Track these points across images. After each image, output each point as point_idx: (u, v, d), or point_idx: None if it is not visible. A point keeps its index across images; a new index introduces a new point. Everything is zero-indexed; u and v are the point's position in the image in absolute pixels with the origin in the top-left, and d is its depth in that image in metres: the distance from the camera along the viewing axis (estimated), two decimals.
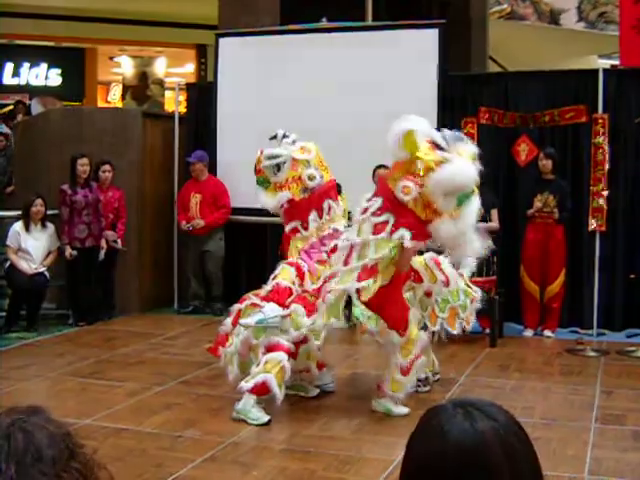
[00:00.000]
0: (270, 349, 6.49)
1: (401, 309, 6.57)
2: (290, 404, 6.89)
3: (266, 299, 6.66)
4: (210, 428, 6.32)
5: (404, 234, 6.24)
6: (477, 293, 7.55)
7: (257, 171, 7.39)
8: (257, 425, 6.38)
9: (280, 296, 6.63)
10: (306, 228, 7.21)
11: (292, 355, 6.59)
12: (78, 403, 6.98)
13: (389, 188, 6.31)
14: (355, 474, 5.45)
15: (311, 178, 7.19)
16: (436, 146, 6.25)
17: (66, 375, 7.92)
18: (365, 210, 6.44)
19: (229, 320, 6.87)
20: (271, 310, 6.52)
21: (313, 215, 7.22)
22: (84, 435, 1.80)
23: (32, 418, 1.80)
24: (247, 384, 6.44)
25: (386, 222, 6.29)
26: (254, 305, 6.72)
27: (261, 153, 7.33)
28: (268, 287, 6.78)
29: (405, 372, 6.60)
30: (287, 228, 7.32)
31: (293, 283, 6.78)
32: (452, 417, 1.56)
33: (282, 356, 6.44)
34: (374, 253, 6.28)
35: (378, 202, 6.36)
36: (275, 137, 7.39)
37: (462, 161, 6.19)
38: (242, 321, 6.55)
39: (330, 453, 5.78)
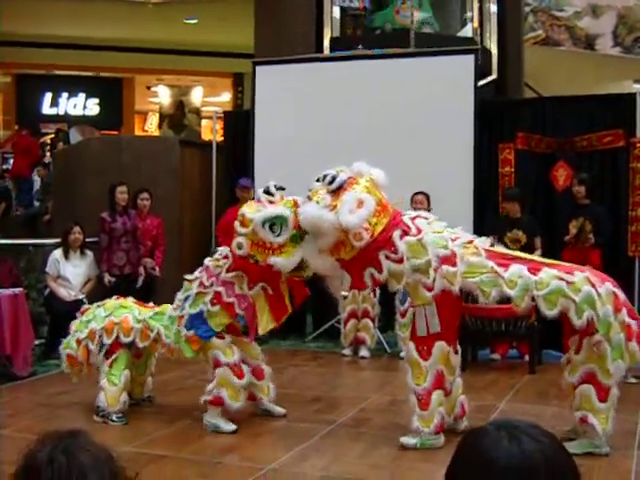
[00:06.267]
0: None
1: None
2: (328, 430, 6.87)
3: None
4: (249, 454, 6.31)
5: None
6: None
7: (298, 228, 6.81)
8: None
9: None
10: None
11: None
12: (117, 430, 7.00)
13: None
14: None
15: None
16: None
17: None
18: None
19: None
20: None
21: None
22: (124, 462, 1.81)
23: (75, 441, 1.82)
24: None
25: None
26: None
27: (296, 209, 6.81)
28: None
29: None
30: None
31: None
32: (497, 441, 1.54)
33: None
34: None
35: None
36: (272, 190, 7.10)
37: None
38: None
39: None
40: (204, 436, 6.80)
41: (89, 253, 10.36)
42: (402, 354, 9.86)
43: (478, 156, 10.72)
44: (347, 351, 10.39)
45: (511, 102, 11.74)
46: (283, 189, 6.91)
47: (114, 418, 7.24)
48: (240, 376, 6.93)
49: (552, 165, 10.51)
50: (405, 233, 6.32)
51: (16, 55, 22.09)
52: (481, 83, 11.29)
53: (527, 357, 9.61)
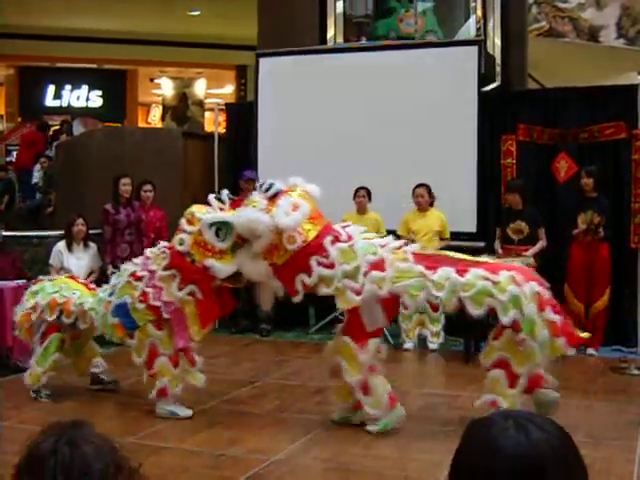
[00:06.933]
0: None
1: None
2: (334, 422, 6.88)
3: None
4: (252, 446, 6.31)
5: None
6: None
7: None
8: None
9: None
10: None
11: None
12: (120, 422, 7.01)
13: None
14: None
15: None
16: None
17: (108, 393, 7.95)
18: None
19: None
20: None
21: None
22: (126, 453, 1.81)
23: (78, 432, 1.81)
24: None
25: None
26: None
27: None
28: None
29: None
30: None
31: None
32: (504, 430, 1.54)
33: None
34: None
35: None
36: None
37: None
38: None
39: (375, 471, 5.76)
40: (207, 428, 6.81)
41: (92, 245, 10.34)
42: (405, 346, 9.92)
43: (481, 148, 10.71)
44: None
45: (513, 93, 11.72)
46: (235, 200, 7.18)
47: (43, 395, 7.69)
48: (176, 365, 7.10)
49: (554, 157, 10.50)
50: (336, 239, 6.60)
51: (19, 47, 22.08)
52: (484, 89, 11.23)
53: None
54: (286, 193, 6.72)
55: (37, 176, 16.44)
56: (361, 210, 10.54)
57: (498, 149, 10.76)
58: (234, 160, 12.08)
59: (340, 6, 12.85)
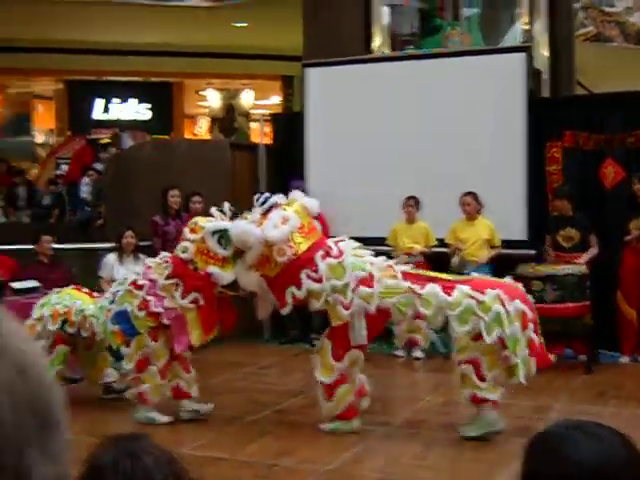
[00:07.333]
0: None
1: None
2: (383, 432, 6.86)
3: None
4: (305, 456, 6.32)
5: None
6: None
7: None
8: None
9: None
10: None
11: None
12: (173, 432, 7.04)
13: None
14: None
15: None
16: None
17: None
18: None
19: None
20: None
21: None
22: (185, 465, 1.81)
23: (138, 444, 1.83)
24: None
25: None
26: None
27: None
28: None
29: None
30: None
31: None
32: (576, 440, 1.55)
33: None
34: None
35: None
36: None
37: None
38: None
39: None
40: (259, 438, 6.83)
41: (143, 257, 10.38)
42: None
43: (530, 155, 10.62)
44: (400, 352, 10.35)
45: (559, 99, 11.63)
46: (237, 215, 7.36)
47: None
48: (164, 377, 7.28)
49: (600, 162, 10.39)
50: (327, 254, 6.82)
51: (67, 62, 22.33)
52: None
53: (582, 357, 9.49)
54: (280, 207, 6.98)
55: (85, 190, 16.63)
56: (410, 220, 10.52)
57: (543, 156, 10.68)
58: (281, 170, 12.10)
59: (386, 17, 12.86)
